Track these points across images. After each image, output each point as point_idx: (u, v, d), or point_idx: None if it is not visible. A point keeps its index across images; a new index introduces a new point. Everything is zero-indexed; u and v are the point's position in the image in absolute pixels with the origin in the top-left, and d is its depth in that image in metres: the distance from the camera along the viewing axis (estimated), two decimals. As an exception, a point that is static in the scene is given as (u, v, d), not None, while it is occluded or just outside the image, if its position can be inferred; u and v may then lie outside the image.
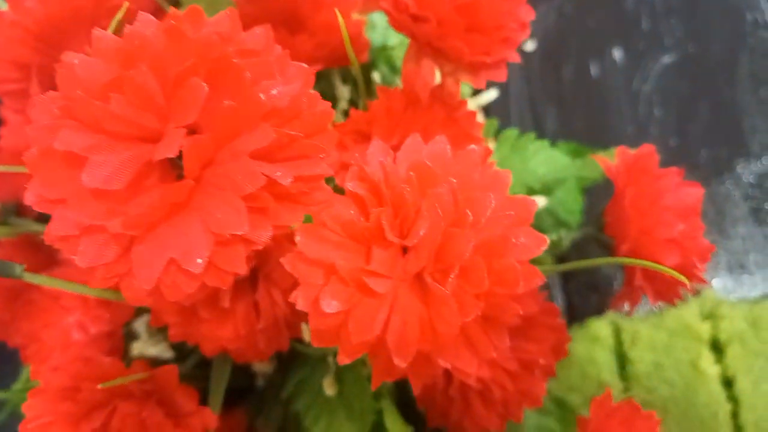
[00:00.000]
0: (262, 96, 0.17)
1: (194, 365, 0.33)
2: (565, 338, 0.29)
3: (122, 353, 0.33)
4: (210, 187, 0.18)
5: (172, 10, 0.18)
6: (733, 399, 0.49)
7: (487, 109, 0.59)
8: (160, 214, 0.18)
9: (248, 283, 0.26)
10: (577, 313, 0.53)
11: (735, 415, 0.49)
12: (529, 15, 0.28)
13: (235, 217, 0.17)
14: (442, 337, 0.20)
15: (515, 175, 0.34)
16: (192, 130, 0.18)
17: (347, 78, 0.39)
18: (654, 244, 0.26)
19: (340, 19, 0.24)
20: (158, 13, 0.39)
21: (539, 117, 0.58)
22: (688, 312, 0.50)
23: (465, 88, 0.41)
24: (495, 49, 0.27)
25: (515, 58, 0.29)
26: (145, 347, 0.33)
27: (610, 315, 0.52)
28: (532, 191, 0.33)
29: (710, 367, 0.49)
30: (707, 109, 0.56)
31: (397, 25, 0.27)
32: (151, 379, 0.26)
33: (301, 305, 0.21)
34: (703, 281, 0.28)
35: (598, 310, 0.53)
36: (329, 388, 0.28)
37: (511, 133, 0.36)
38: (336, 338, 0.21)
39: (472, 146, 0.22)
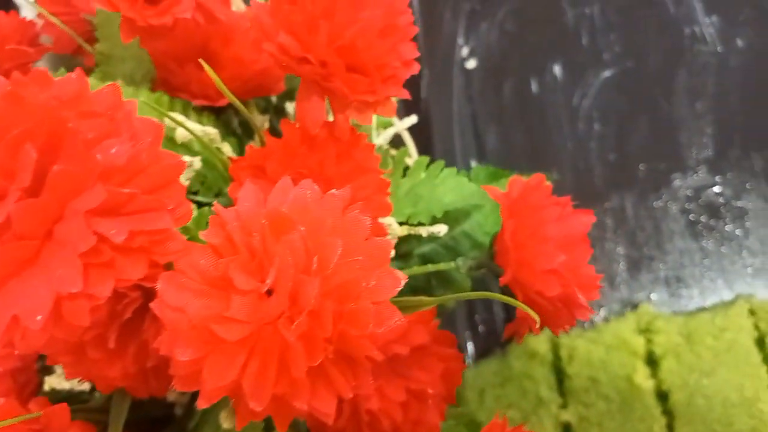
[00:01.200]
0: (99, 156, 0.18)
1: (109, 397, 0.33)
2: (459, 367, 0.30)
3: (37, 388, 0.34)
4: (54, 245, 0.19)
5: (15, 74, 0.19)
6: (668, 412, 0.50)
7: (429, 129, 0.60)
8: (8, 271, 0.19)
9: (138, 322, 0.27)
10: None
11: (670, 428, 0.50)
12: (412, 53, 0.29)
13: (71, 275, 0.18)
14: (295, 381, 0.21)
15: (424, 203, 0.35)
16: (33, 192, 0.19)
17: (268, 108, 0.40)
18: (533, 275, 0.27)
19: (207, 68, 0.25)
20: (79, 52, 0.40)
21: (481, 135, 0.59)
22: (625, 326, 0.51)
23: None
24: (379, 88, 0.28)
25: (403, 95, 0.30)
26: (58, 381, 0.33)
27: (549, 330, 0.53)
28: (435, 220, 0.34)
29: (645, 381, 0.50)
30: (645, 123, 0.57)
31: (281, 66, 0.28)
32: (44, 417, 0.27)
33: (163, 351, 0.22)
34: (588, 311, 0.29)
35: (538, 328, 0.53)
36: (225, 422, 0.29)
37: (422, 160, 0.37)
38: (196, 383, 0.22)
39: (333, 191, 0.23)
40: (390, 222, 0.33)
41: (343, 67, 0.27)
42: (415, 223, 0.34)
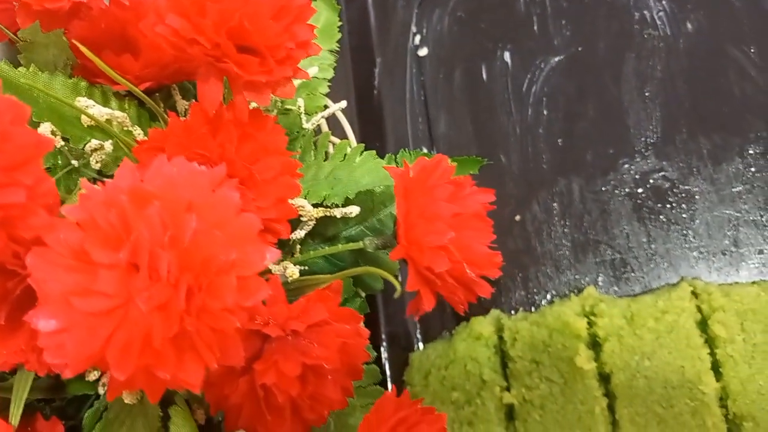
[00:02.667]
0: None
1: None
2: (359, 343, 0.30)
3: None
4: None
5: None
6: (609, 394, 0.50)
7: (382, 116, 0.60)
8: None
9: (29, 299, 0.27)
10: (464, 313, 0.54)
11: (611, 409, 0.50)
12: (308, 34, 0.29)
13: None
14: (158, 352, 0.22)
15: (341, 185, 0.35)
16: None
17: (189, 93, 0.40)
18: (423, 251, 0.28)
19: (88, 53, 0.25)
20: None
21: (432, 121, 0.59)
22: (568, 310, 0.51)
23: (319, 100, 0.42)
24: (274, 69, 0.28)
25: (303, 76, 0.30)
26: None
27: (495, 313, 0.54)
28: (348, 201, 0.34)
29: (587, 364, 0.50)
30: (593, 108, 0.57)
31: (174, 49, 0.28)
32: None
33: (33, 324, 0.22)
34: (486, 287, 0.30)
35: (485, 309, 0.54)
36: (127, 397, 0.29)
37: (343, 144, 0.37)
38: (63, 354, 0.22)
39: (202, 168, 0.23)
40: (302, 203, 0.33)
41: (234, 48, 0.28)
42: (330, 204, 0.34)
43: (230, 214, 0.23)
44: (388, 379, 0.53)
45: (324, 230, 0.39)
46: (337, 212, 0.34)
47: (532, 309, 0.54)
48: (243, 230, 0.23)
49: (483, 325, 0.52)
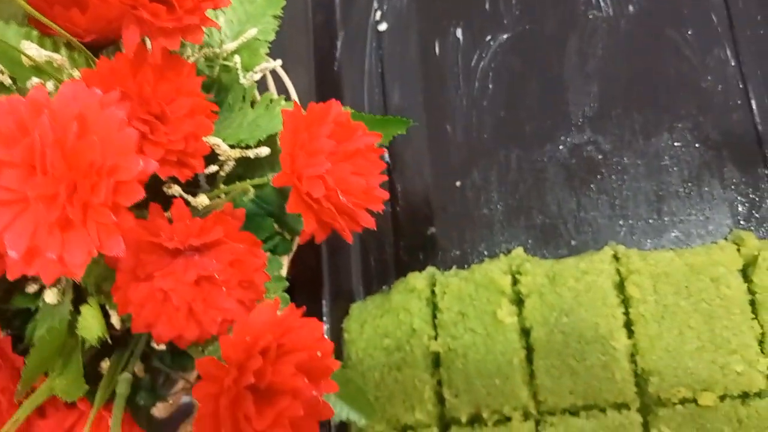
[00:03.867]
0: None
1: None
2: (253, 260, 0.34)
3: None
4: None
5: None
6: (528, 347, 0.54)
7: (341, 86, 0.64)
8: None
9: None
10: (404, 269, 0.58)
11: (529, 361, 0.53)
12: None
13: None
14: (46, 234, 0.26)
15: (260, 131, 0.40)
16: None
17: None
18: (303, 179, 0.32)
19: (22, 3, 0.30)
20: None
21: (387, 92, 0.63)
22: (496, 267, 0.54)
23: (258, 59, 0.46)
24: (183, 17, 0.33)
25: (213, 24, 0.34)
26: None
27: (430, 269, 0.57)
28: (260, 142, 0.39)
29: (509, 318, 0.53)
30: (537, 83, 0.60)
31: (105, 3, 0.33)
32: None
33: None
34: (367, 218, 0.33)
35: (423, 267, 0.57)
36: (48, 296, 0.34)
37: (267, 96, 0.42)
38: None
39: (96, 90, 0.28)
40: (217, 142, 0.37)
41: (147, -1, 0.32)
42: (245, 146, 0.39)
43: (114, 128, 0.27)
44: (328, 331, 0.56)
45: (251, 175, 0.43)
46: (251, 153, 0.38)
47: (465, 267, 0.57)
48: (123, 142, 0.27)
49: (418, 280, 0.56)
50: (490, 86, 0.61)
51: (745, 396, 0.50)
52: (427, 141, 0.60)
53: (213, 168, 0.37)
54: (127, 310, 0.33)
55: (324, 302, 0.56)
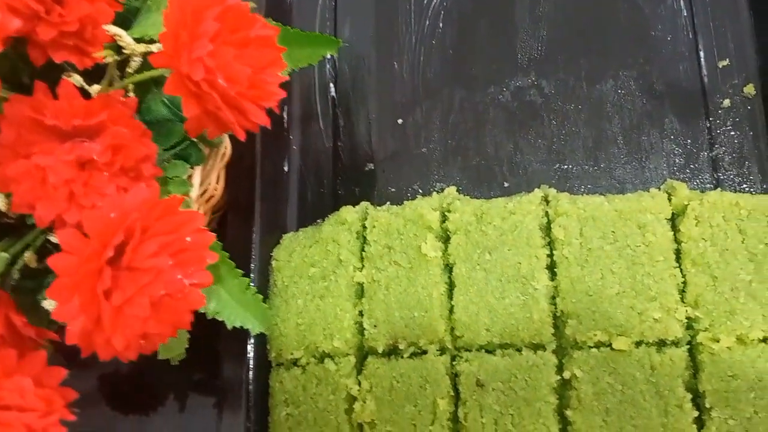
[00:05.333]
0: None
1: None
2: (134, 145, 0.33)
3: None
4: None
5: None
6: (449, 282, 0.53)
7: (291, 19, 0.63)
8: None
9: None
10: (341, 204, 0.57)
11: (449, 295, 0.53)
12: None
13: None
14: None
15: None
16: None
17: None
18: (182, 61, 0.31)
19: None
20: None
21: (339, 26, 0.62)
22: (426, 204, 0.54)
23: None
24: None
25: None
26: None
27: (364, 204, 0.57)
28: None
29: (433, 253, 0.52)
30: (486, 25, 0.59)
31: None
32: None
33: None
34: (255, 113, 0.33)
35: (359, 202, 0.57)
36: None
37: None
38: None
39: None
40: (119, 32, 0.37)
41: None
42: (149, 40, 0.38)
43: None
44: (256, 259, 0.55)
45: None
46: (154, 47, 0.37)
47: (400, 204, 0.56)
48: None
49: (349, 213, 0.55)
50: (441, 25, 0.59)
51: (661, 344, 0.49)
52: (373, 77, 0.59)
53: (110, 58, 0.37)
54: (8, 189, 0.33)
55: (255, 230, 0.56)
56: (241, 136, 0.35)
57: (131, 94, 0.39)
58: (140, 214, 0.31)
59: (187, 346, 0.39)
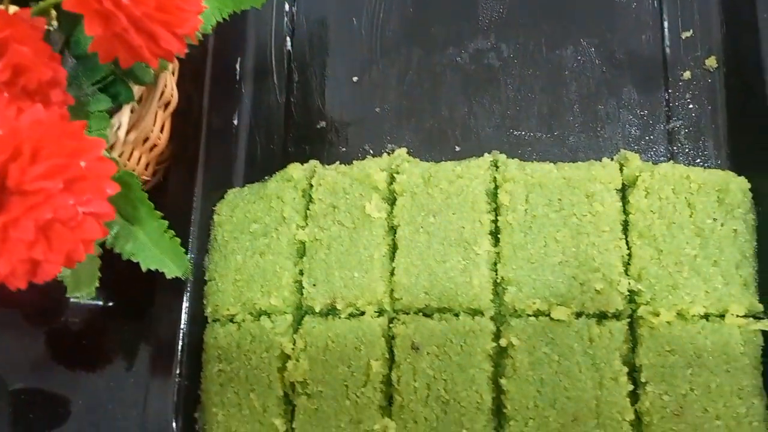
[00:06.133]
0: None
1: None
2: (52, 75, 0.32)
3: None
4: None
5: None
6: (392, 244, 0.52)
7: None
8: None
9: None
10: (290, 161, 0.55)
11: (391, 257, 0.51)
12: None
13: None
14: None
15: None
16: None
17: None
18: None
19: None
20: None
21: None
22: (375, 164, 0.52)
23: None
24: None
25: None
26: None
27: (313, 162, 0.55)
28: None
29: (377, 213, 0.51)
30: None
31: None
32: None
33: None
34: (168, 40, 0.31)
35: (308, 160, 0.55)
36: None
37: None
38: None
39: None
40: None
41: None
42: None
43: None
44: (197, 212, 0.54)
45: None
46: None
47: (349, 164, 0.55)
48: None
49: (296, 170, 0.53)
50: (402, -15, 0.58)
51: (601, 316, 0.48)
52: (331, 33, 0.58)
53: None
54: None
55: (197, 183, 0.54)
56: (153, 64, 0.34)
57: (54, 23, 0.38)
58: (32, 135, 0.29)
59: (97, 284, 0.37)
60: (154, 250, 0.39)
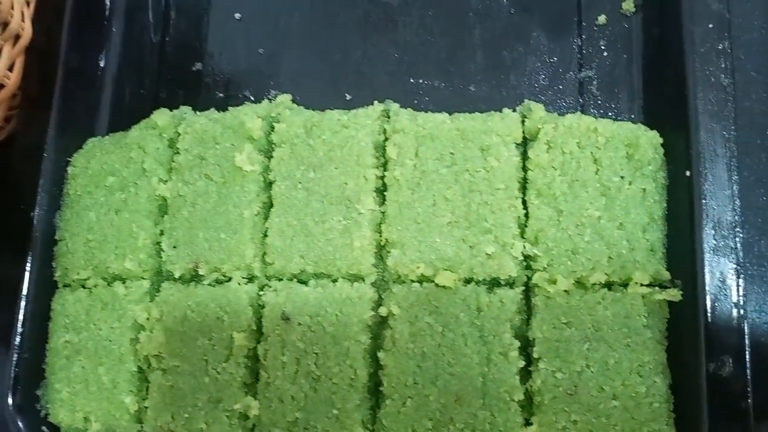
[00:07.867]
0: None
1: None
2: None
3: None
4: None
5: None
6: (266, 201, 0.45)
7: None
8: None
9: None
10: (161, 106, 0.48)
11: (264, 217, 0.45)
12: None
13: None
14: None
15: None
16: None
17: None
18: None
19: None
20: None
21: None
22: (251, 111, 0.45)
23: None
24: None
25: None
26: None
27: (183, 108, 0.48)
28: None
29: (249, 166, 0.45)
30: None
31: None
32: None
33: None
34: None
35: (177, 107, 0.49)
36: None
37: None
38: None
39: None
40: None
41: None
42: None
43: None
44: (49, 163, 0.47)
45: None
46: None
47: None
48: None
49: (162, 116, 0.47)
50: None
51: (493, 283, 0.43)
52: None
53: None
54: None
55: (50, 130, 0.47)
56: None
57: None
58: None
59: None
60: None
